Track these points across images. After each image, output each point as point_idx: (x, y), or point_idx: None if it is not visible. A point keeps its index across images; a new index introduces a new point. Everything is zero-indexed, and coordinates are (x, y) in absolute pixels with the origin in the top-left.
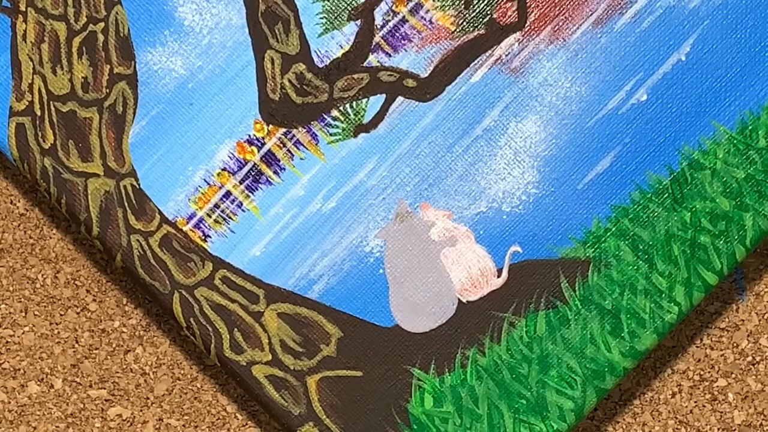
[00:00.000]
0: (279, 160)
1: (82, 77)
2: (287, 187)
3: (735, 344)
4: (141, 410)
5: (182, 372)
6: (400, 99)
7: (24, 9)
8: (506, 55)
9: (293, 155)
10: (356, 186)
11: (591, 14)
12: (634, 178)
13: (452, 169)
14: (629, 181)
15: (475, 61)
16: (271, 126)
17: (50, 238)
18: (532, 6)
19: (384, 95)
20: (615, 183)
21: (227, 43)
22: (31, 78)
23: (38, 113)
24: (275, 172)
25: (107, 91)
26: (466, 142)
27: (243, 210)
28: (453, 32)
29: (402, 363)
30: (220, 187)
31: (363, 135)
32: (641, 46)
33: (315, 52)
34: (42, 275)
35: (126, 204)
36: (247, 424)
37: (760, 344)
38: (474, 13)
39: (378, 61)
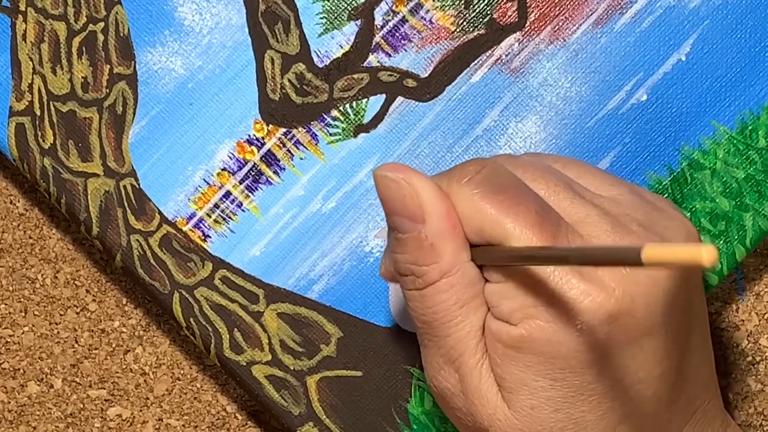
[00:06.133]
0: (279, 160)
1: (82, 77)
2: (287, 187)
3: (735, 344)
4: (141, 410)
5: (182, 372)
6: (400, 99)
7: (24, 9)
8: (506, 55)
9: (293, 155)
10: (356, 186)
11: (591, 14)
12: (634, 179)
13: None
14: (629, 182)
15: (475, 61)
16: (271, 126)
17: (50, 238)
18: (532, 6)
19: (384, 95)
20: None
21: (227, 43)
22: (31, 78)
23: (38, 113)
24: (275, 172)
25: (107, 91)
26: (466, 142)
27: (243, 210)
28: (453, 32)
29: (402, 363)
30: (220, 187)
31: (363, 135)
32: (641, 46)
33: (315, 52)
34: (42, 275)
35: (126, 204)
36: (247, 424)
37: (760, 344)
38: (474, 13)
39: (378, 61)
